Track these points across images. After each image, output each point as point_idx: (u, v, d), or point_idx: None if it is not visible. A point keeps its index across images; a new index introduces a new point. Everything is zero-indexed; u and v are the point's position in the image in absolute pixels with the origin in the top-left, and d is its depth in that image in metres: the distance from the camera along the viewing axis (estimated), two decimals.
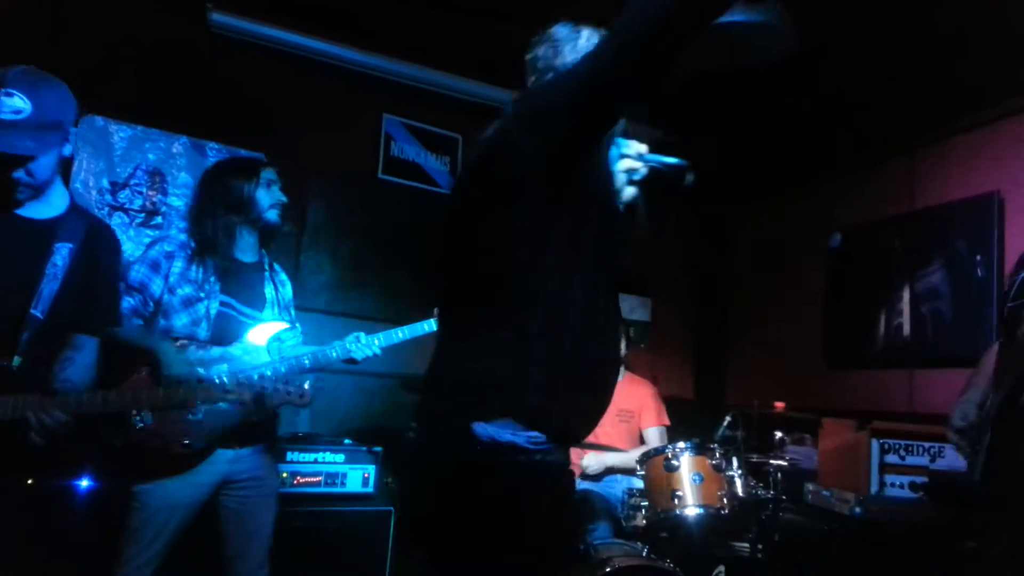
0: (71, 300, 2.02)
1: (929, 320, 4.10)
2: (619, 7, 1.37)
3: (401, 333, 2.88)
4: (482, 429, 1.39)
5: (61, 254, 2.00)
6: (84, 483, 2.97)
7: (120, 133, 3.69)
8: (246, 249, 2.64)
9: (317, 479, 3.43)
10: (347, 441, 3.76)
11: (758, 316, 5.32)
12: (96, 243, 2.11)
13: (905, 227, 4.34)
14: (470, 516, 1.42)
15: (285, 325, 2.68)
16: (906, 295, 4.24)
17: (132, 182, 3.70)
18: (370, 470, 3.61)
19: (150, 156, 3.76)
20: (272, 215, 2.65)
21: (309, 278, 4.15)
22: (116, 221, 3.64)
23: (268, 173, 2.68)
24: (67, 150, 2.06)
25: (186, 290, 2.48)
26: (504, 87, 4.45)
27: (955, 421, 2.37)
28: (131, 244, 3.66)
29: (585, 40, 1.65)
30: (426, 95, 4.40)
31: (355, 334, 2.75)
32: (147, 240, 3.69)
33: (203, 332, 2.49)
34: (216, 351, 2.47)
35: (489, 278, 1.50)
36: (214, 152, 3.93)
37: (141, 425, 2.34)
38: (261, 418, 2.54)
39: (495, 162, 1.49)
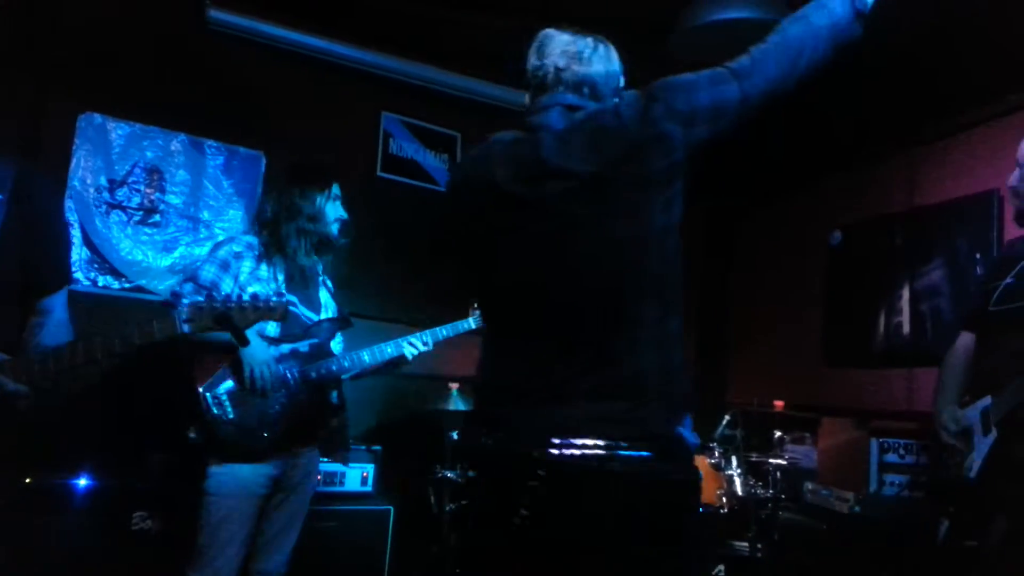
0: (9, 258, 1.84)
1: (929, 318, 4.09)
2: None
3: (444, 331, 2.98)
4: (686, 434, 1.42)
5: None
6: (82, 482, 2.96)
7: (118, 131, 3.68)
8: (304, 253, 2.71)
9: (316, 478, 3.43)
10: None
11: (758, 314, 5.31)
12: (28, 189, 1.90)
13: (905, 225, 4.33)
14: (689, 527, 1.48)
15: (343, 323, 2.76)
16: (906, 293, 4.24)
17: (130, 180, 3.69)
18: (369, 469, 3.61)
19: (148, 154, 3.74)
20: (334, 229, 2.74)
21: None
22: (114, 219, 3.63)
23: (336, 188, 2.76)
24: None
25: (255, 287, 2.53)
26: (503, 84, 4.44)
27: (948, 426, 2.38)
28: (129, 242, 3.65)
29: (601, 52, 1.72)
30: (425, 92, 4.38)
31: (411, 335, 2.88)
32: (144, 238, 3.70)
33: (272, 329, 2.54)
34: (286, 347, 2.55)
35: (648, 272, 1.50)
36: (212, 150, 3.92)
37: (224, 419, 2.40)
38: (330, 412, 2.66)
39: (649, 155, 1.50)
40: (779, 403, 3.83)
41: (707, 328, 5.64)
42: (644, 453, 1.41)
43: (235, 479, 2.41)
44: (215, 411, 2.40)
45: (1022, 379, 2.10)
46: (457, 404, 3.68)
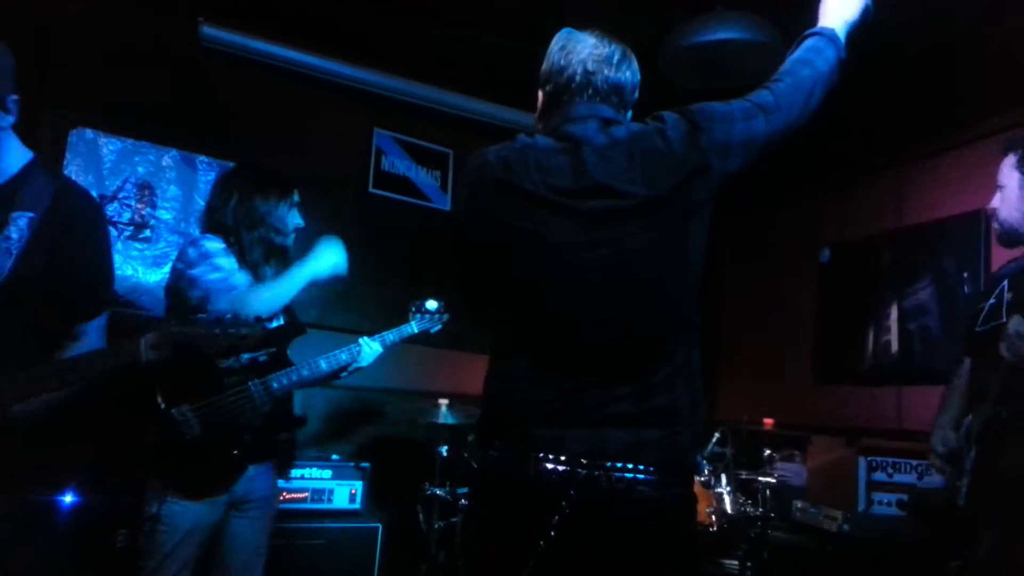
0: (37, 280, 1.72)
1: (917, 337, 4.11)
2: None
3: (391, 336, 2.92)
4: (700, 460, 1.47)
5: (17, 225, 1.71)
6: (68, 498, 2.94)
7: (110, 146, 3.68)
8: (265, 264, 2.60)
9: (304, 495, 3.42)
10: (334, 457, 3.74)
11: (747, 331, 5.33)
12: (66, 209, 1.79)
13: (894, 244, 4.36)
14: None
15: (298, 330, 2.66)
16: (894, 312, 4.26)
17: (121, 195, 3.69)
18: (357, 486, 3.60)
19: (139, 169, 3.75)
20: (291, 240, 2.66)
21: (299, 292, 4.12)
22: None
23: (296, 196, 2.68)
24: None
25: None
26: (495, 102, 4.47)
27: (936, 447, 2.39)
28: (118, 257, 3.64)
29: (628, 59, 1.69)
30: (417, 110, 4.41)
31: (361, 338, 2.80)
32: (135, 253, 3.69)
33: None
34: (245, 357, 2.44)
35: (684, 305, 1.54)
36: (204, 165, 3.93)
37: (190, 436, 2.28)
38: (289, 425, 2.58)
39: (694, 184, 1.51)
40: (769, 421, 3.83)
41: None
42: (670, 479, 1.45)
43: (192, 514, 2.29)
44: (182, 429, 2.27)
45: (996, 391, 2.12)
46: (446, 419, 3.67)
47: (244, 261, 2.50)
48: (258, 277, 2.52)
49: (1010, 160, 2.19)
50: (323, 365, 2.62)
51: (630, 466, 1.42)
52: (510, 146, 1.61)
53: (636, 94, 1.70)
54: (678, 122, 1.54)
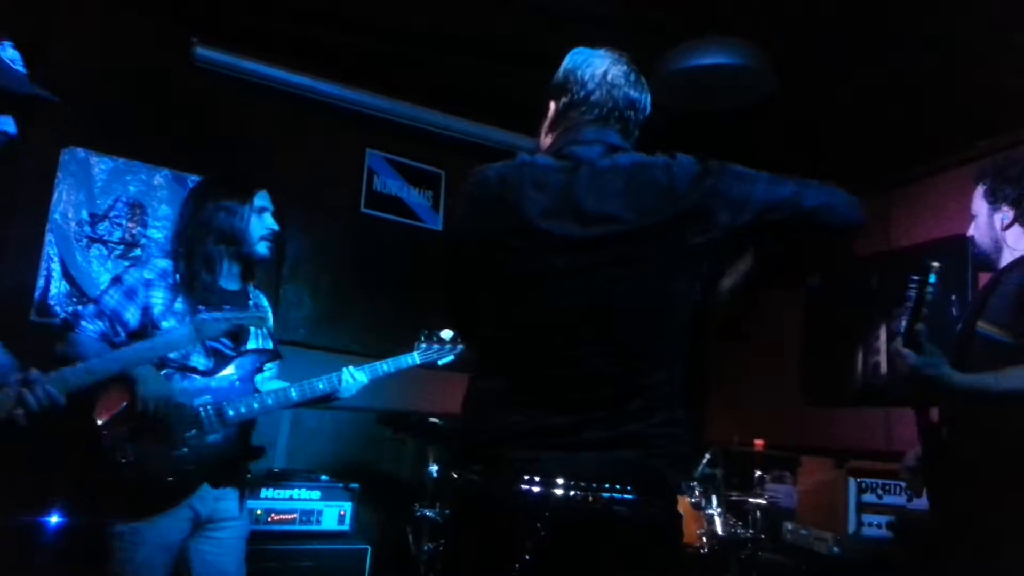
0: None
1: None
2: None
3: (385, 367, 2.75)
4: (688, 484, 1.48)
5: None
6: (54, 519, 2.91)
7: (101, 165, 3.68)
8: (230, 278, 2.52)
9: (292, 516, 3.39)
10: (323, 477, 3.72)
11: (737, 352, 5.34)
12: None
13: (881, 266, 4.39)
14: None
15: (270, 355, 2.57)
16: (883, 334, 4.29)
17: (112, 214, 3.68)
18: (346, 507, 3.57)
19: (131, 188, 3.75)
20: (262, 248, 2.51)
21: (289, 311, 4.13)
22: (95, 253, 3.62)
23: (261, 198, 2.52)
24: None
25: (171, 322, 2.35)
26: (487, 123, 4.51)
27: (907, 460, 2.40)
28: (108, 276, 3.62)
29: (641, 79, 1.70)
30: (409, 130, 4.43)
31: (344, 368, 2.63)
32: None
33: (201, 365, 2.38)
34: (200, 381, 2.36)
35: (667, 339, 1.53)
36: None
37: (124, 461, 2.20)
38: (246, 454, 2.47)
39: (688, 225, 1.48)
40: (759, 442, 3.83)
41: (688, 365, 5.66)
42: (647, 499, 1.43)
43: (151, 532, 2.22)
44: (118, 456, 2.19)
45: (944, 409, 2.17)
46: (437, 439, 3.65)
47: (199, 280, 2.39)
48: (204, 300, 2.40)
49: (979, 191, 2.27)
50: (293, 394, 2.49)
51: (607, 486, 1.40)
52: (510, 164, 1.62)
53: (646, 114, 1.71)
54: (691, 164, 1.53)
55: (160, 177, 3.83)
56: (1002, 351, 1.93)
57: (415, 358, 2.84)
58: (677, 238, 1.47)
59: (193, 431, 2.30)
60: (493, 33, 3.85)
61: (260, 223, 2.50)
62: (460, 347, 2.89)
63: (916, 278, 2.01)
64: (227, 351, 2.47)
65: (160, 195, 3.82)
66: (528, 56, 3.99)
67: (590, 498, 1.40)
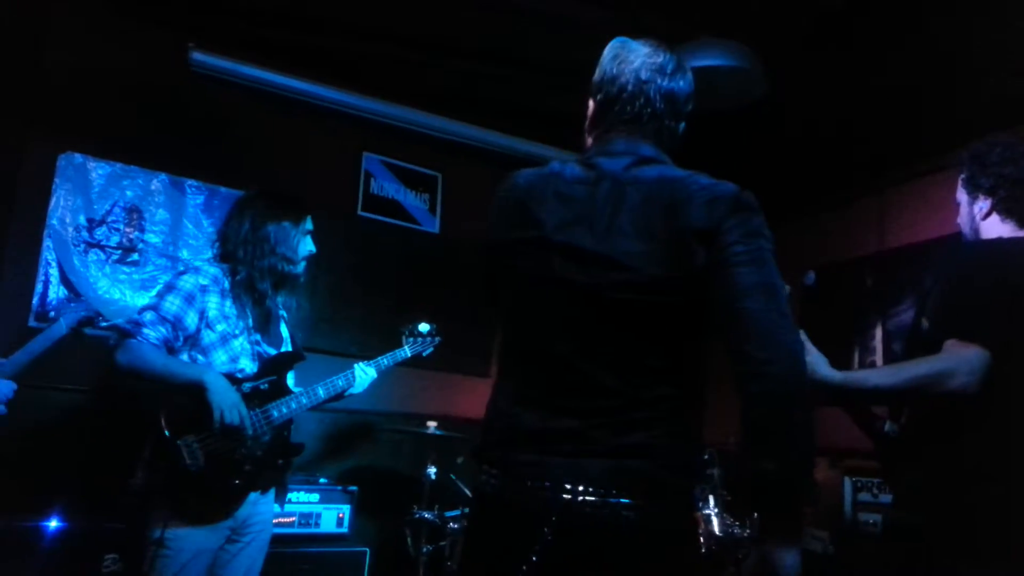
0: None
1: (901, 358, 4.15)
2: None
3: (385, 361, 2.95)
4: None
5: None
6: (52, 524, 2.92)
7: (98, 170, 3.69)
8: (271, 291, 2.62)
9: (291, 519, 3.40)
10: (322, 480, 3.73)
11: None
12: None
13: (876, 266, 4.41)
14: None
15: (298, 357, 2.70)
16: (878, 333, 4.30)
17: (109, 219, 3.69)
18: (345, 510, 3.58)
19: (128, 193, 3.76)
20: (301, 267, 2.66)
21: (287, 314, 4.13)
22: (92, 258, 3.63)
23: (308, 223, 2.68)
24: None
25: (223, 326, 2.45)
26: (483, 126, 4.52)
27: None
28: (106, 281, 3.65)
29: (684, 69, 1.64)
30: (406, 133, 4.45)
31: (356, 365, 2.82)
32: (122, 277, 3.69)
33: (249, 368, 2.48)
34: (247, 387, 2.45)
35: (667, 350, 1.51)
36: (193, 189, 3.94)
37: (193, 467, 2.27)
38: (289, 453, 2.57)
39: (692, 251, 1.45)
40: None
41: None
42: (654, 506, 1.44)
43: (196, 539, 2.30)
44: (187, 460, 2.26)
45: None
46: (435, 442, 3.67)
47: (249, 288, 2.50)
48: (264, 307, 2.53)
49: (960, 180, 2.21)
50: (320, 392, 2.64)
51: (614, 492, 1.42)
52: (540, 171, 1.63)
53: (690, 105, 1.66)
54: (721, 189, 1.49)
55: (157, 182, 3.84)
56: (929, 341, 1.90)
57: (406, 352, 3.04)
58: (681, 259, 1.45)
59: (249, 434, 2.39)
60: (488, 37, 3.86)
61: (305, 245, 2.67)
62: (438, 339, 3.13)
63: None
64: (268, 355, 2.57)
65: (157, 200, 3.84)
66: (523, 60, 4.02)
67: (597, 503, 1.42)
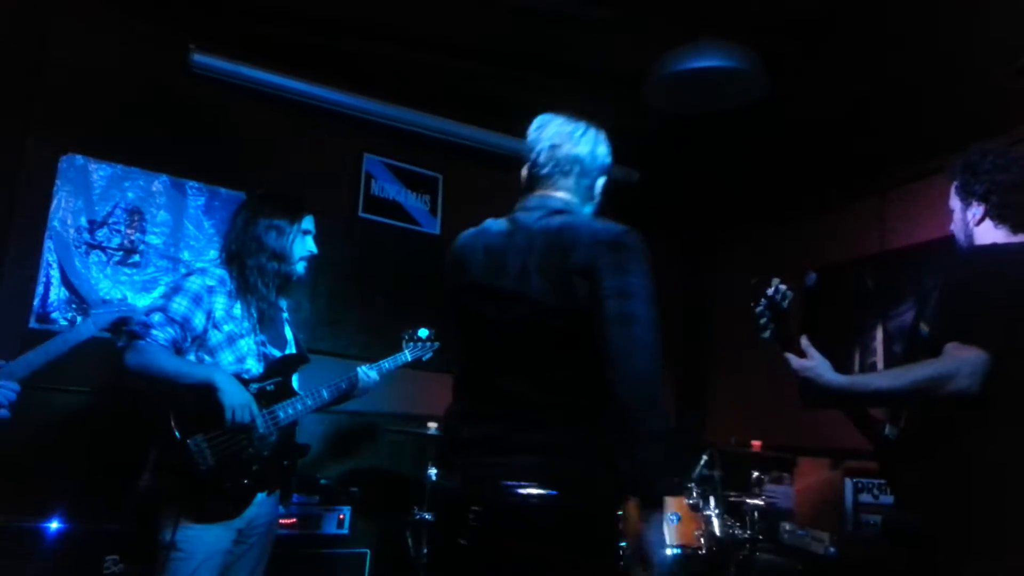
0: None
1: (901, 361, 4.15)
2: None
3: (387, 364, 2.95)
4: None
5: None
6: (54, 525, 2.92)
7: (100, 172, 3.69)
8: (270, 292, 2.62)
9: (291, 521, 3.39)
10: (322, 482, 3.73)
11: (736, 353, 5.35)
12: None
13: (877, 267, 4.41)
14: None
15: (302, 359, 2.71)
16: (879, 334, 4.30)
17: (110, 220, 3.70)
18: (345, 511, 3.57)
19: (129, 194, 3.76)
20: (300, 267, 2.66)
21: (290, 316, 4.13)
22: (93, 259, 3.63)
23: (308, 222, 2.68)
24: None
25: (230, 327, 2.47)
26: (484, 127, 4.53)
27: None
28: (107, 282, 3.65)
29: (590, 135, 1.96)
30: (407, 135, 4.45)
31: (359, 367, 2.82)
32: (123, 278, 3.69)
33: (255, 368, 2.50)
34: (254, 387, 2.47)
35: (569, 370, 1.79)
36: (194, 191, 3.95)
37: (204, 467, 2.29)
38: (295, 454, 2.59)
39: (576, 285, 1.74)
40: (757, 443, 3.85)
41: (686, 368, 5.68)
42: (554, 493, 1.72)
43: (207, 539, 2.30)
44: (197, 460, 2.28)
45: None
46: (435, 443, 3.67)
47: (250, 289, 2.52)
48: (265, 308, 2.55)
49: (953, 187, 2.24)
50: (325, 394, 2.65)
51: (526, 484, 1.72)
52: (475, 229, 1.99)
53: (602, 163, 1.96)
54: (607, 231, 1.77)
55: (159, 183, 3.85)
56: (929, 345, 1.93)
57: (407, 356, 3.04)
58: (569, 293, 1.74)
59: (257, 435, 2.41)
60: (490, 37, 3.87)
61: (303, 244, 2.66)
62: (437, 344, 3.13)
63: (769, 292, 2.15)
64: (273, 356, 2.58)
65: (159, 201, 3.84)
66: (525, 60, 4.02)
67: (515, 493, 1.73)
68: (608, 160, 1.98)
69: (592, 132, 1.95)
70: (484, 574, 1.78)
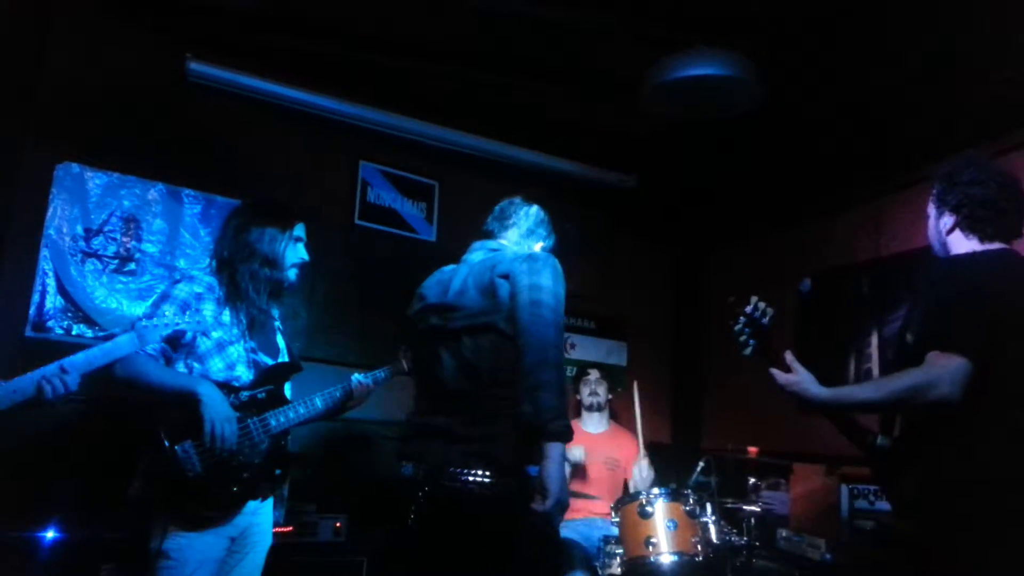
0: None
1: (891, 367, 4.16)
2: None
3: (382, 374, 2.94)
4: (532, 470, 2.10)
5: None
6: (50, 534, 2.92)
7: (96, 180, 3.69)
8: (260, 299, 2.62)
9: (287, 529, 3.39)
10: (319, 489, 3.72)
11: (731, 359, 5.34)
12: None
13: (872, 273, 4.42)
14: None
15: (295, 368, 2.71)
16: (875, 340, 4.31)
17: (106, 228, 3.69)
18: (342, 519, 3.57)
19: (125, 203, 3.76)
20: (292, 274, 2.66)
21: (283, 324, 4.13)
22: (89, 267, 3.63)
23: (299, 229, 2.69)
24: None
25: (219, 334, 2.47)
26: (480, 135, 4.54)
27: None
28: (103, 290, 3.65)
29: (522, 213, 2.63)
30: (403, 142, 4.46)
31: (353, 376, 2.82)
32: (119, 286, 3.69)
33: (245, 376, 2.50)
34: (245, 395, 2.47)
35: (496, 370, 2.23)
36: (190, 199, 3.94)
37: (191, 474, 2.29)
38: (286, 462, 2.58)
39: (487, 302, 2.28)
40: (753, 449, 3.86)
41: (683, 373, 5.69)
42: (493, 478, 2.13)
43: (199, 546, 2.31)
44: (185, 467, 2.28)
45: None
46: None
47: (240, 296, 2.52)
48: (255, 315, 2.55)
49: (931, 194, 2.29)
50: (319, 402, 2.65)
51: (464, 471, 2.14)
52: (439, 270, 2.57)
53: (535, 232, 2.62)
54: (513, 259, 2.29)
55: (155, 191, 3.85)
56: (914, 354, 1.96)
57: (403, 366, 3.03)
58: (494, 293, 2.24)
59: (246, 443, 2.41)
60: (485, 45, 3.88)
61: (294, 252, 2.67)
62: None
63: (747, 309, 2.24)
64: (264, 363, 2.58)
65: (155, 209, 3.84)
66: (521, 68, 4.04)
67: (454, 477, 2.15)
68: (541, 231, 2.65)
69: (519, 207, 2.63)
70: (429, 548, 2.25)
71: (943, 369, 1.83)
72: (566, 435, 2.07)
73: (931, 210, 2.27)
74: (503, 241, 2.56)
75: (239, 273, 2.53)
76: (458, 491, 2.13)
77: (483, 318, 2.23)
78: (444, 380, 2.28)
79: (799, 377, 2.10)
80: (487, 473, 2.11)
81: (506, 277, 2.23)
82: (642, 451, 4.09)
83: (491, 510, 2.11)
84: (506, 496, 2.11)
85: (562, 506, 2.05)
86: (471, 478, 2.12)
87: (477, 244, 2.53)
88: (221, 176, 4.00)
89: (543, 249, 2.61)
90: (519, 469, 2.13)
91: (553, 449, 2.04)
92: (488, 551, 2.11)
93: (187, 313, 2.41)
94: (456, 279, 2.39)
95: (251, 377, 2.52)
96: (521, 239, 2.58)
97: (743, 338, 2.21)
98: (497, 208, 2.64)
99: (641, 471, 4.00)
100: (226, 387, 2.43)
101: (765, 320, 2.20)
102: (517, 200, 2.64)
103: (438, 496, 2.19)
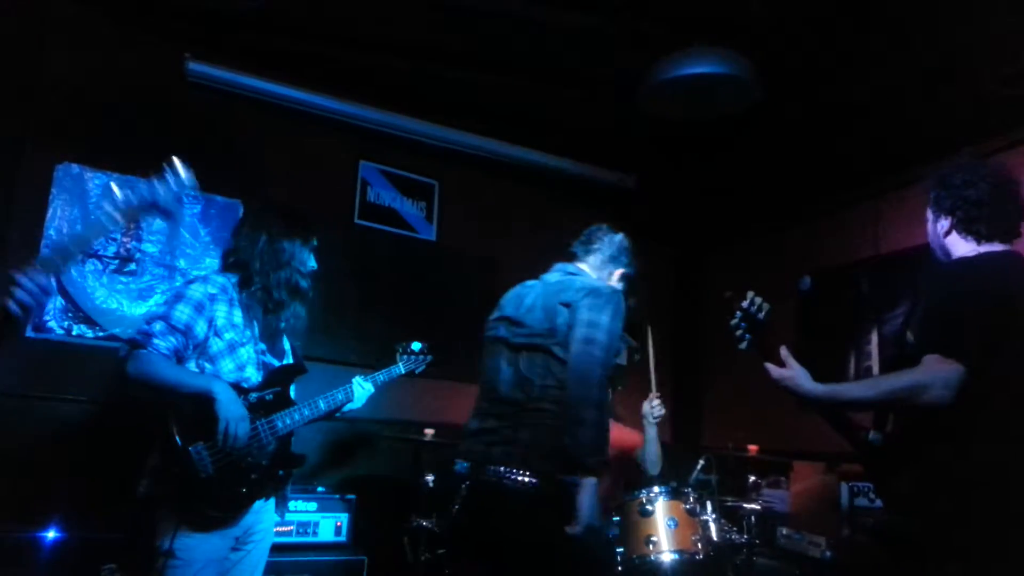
0: None
1: (892, 365, 4.17)
2: None
3: (381, 377, 2.97)
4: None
5: None
6: (51, 534, 2.92)
7: (95, 180, 3.69)
8: (277, 303, 2.63)
9: (289, 528, 3.40)
10: (320, 489, 3.73)
11: (731, 358, 5.35)
12: None
13: (872, 271, 4.43)
14: None
15: (300, 369, 2.74)
16: (874, 338, 4.32)
17: None
18: (343, 518, 3.58)
19: None
20: (305, 283, 2.69)
21: (285, 323, 4.13)
22: (90, 268, 3.63)
23: (315, 240, 2.75)
24: None
25: (231, 335, 2.48)
26: (479, 134, 4.54)
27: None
28: (104, 291, 3.65)
29: (605, 240, 2.80)
30: (402, 142, 4.46)
31: (354, 379, 2.85)
32: (119, 286, 3.69)
33: (254, 377, 2.51)
34: (253, 396, 2.48)
35: (544, 387, 2.43)
36: (190, 199, 3.94)
37: (204, 475, 2.30)
38: (290, 463, 2.60)
39: (551, 325, 2.46)
40: (753, 447, 3.86)
41: (683, 371, 5.69)
42: (530, 477, 2.33)
43: (205, 547, 2.32)
44: (197, 467, 2.29)
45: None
46: (432, 449, 3.67)
47: (257, 299, 2.54)
48: (272, 319, 2.57)
49: (930, 198, 2.31)
50: (322, 405, 2.68)
51: (503, 468, 2.36)
52: (519, 285, 2.73)
53: (613, 262, 2.77)
54: (584, 288, 2.47)
55: None
56: (914, 353, 1.98)
57: (400, 368, 3.10)
58: (554, 318, 2.43)
59: (254, 444, 2.42)
60: (484, 45, 3.88)
61: (309, 260, 2.73)
62: (430, 357, 3.23)
63: (744, 304, 2.22)
64: (272, 365, 2.61)
65: None
66: (520, 67, 4.04)
67: (495, 474, 2.37)
68: (623, 259, 2.79)
69: (610, 238, 2.79)
70: (467, 534, 2.59)
71: (938, 373, 1.85)
72: (601, 470, 2.27)
73: (929, 214, 2.31)
74: (582, 265, 2.73)
75: (262, 276, 2.55)
76: (495, 485, 2.35)
77: (539, 339, 2.44)
78: (500, 387, 2.50)
79: (793, 372, 2.13)
80: (524, 472, 2.32)
81: (568, 306, 2.41)
82: (654, 391, 3.94)
83: (525, 507, 2.31)
84: (538, 497, 2.31)
85: (592, 530, 2.24)
86: (508, 475, 2.34)
87: (558, 265, 2.72)
88: (221, 176, 4.00)
89: (622, 277, 2.79)
90: (552, 475, 2.31)
91: (588, 480, 2.24)
92: (521, 546, 2.31)
93: (202, 313, 2.43)
94: (529, 296, 2.59)
95: (260, 378, 2.54)
96: (602, 265, 2.75)
97: (739, 332, 2.22)
98: (584, 233, 2.80)
99: (651, 403, 3.82)
100: (236, 388, 2.43)
101: (761, 315, 2.21)
102: (604, 227, 2.81)
103: (479, 489, 2.44)
